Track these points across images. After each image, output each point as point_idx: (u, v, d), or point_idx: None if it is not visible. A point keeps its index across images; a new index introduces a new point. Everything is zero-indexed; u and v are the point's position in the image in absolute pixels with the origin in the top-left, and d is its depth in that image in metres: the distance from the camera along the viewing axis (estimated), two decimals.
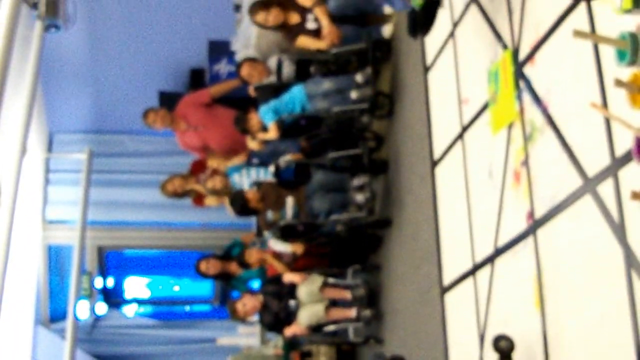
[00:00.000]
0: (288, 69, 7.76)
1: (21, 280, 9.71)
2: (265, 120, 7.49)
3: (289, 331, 7.21)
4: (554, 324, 3.57)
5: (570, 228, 3.43)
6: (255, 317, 7.86)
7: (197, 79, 10.74)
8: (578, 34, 2.71)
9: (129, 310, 11.86)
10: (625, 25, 2.86)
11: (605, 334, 3.11)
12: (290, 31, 7.32)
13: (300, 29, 7.23)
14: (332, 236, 7.25)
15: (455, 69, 5.10)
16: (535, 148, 3.83)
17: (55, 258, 11.38)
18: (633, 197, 2.74)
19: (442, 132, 5.35)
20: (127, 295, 12.03)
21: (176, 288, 12.28)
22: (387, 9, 7.05)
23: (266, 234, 7.79)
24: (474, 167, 4.71)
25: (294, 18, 7.23)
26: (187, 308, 12.26)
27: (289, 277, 7.26)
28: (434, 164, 5.49)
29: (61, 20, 6.26)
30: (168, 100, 9.78)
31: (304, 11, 7.17)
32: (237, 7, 9.63)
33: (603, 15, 3.15)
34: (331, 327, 7.10)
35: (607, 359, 3.11)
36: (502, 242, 4.20)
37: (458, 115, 4.99)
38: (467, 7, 4.90)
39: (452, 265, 5.04)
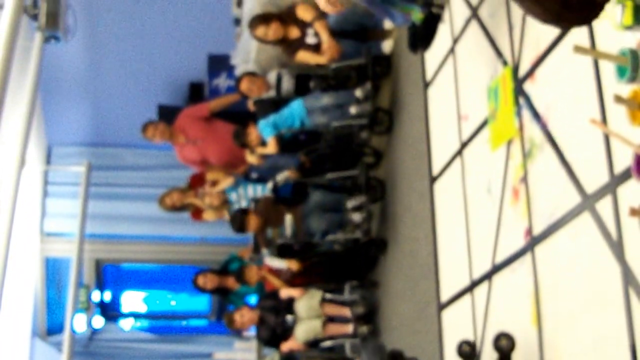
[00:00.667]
0: (287, 84, 7.75)
1: (19, 292, 9.70)
2: (264, 135, 7.49)
3: (286, 346, 7.20)
4: (551, 341, 3.55)
5: (569, 245, 3.41)
6: (252, 332, 7.85)
7: (196, 92, 10.76)
8: (578, 49, 2.70)
9: (126, 324, 11.85)
10: (626, 41, 2.86)
11: (602, 350, 3.09)
12: (290, 46, 7.32)
13: (300, 43, 7.23)
14: (329, 255, 7.25)
15: (455, 85, 5.09)
16: (534, 165, 3.82)
17: (52, 271, 11.36)
18: (631, 213, 2.72)
19: (441, 148, 5.34)
20: (124, 309, 12.01)
21: (173, 303, 12.26)
22: (388, 24, 7.05)
23: (264, 251, 7.78)
24: (473, 183, 4.70)
25: (294, 32, 7.24)
26: (184, 323, 12.24)
27: (286, 292, 7.25)
28: (433, 180, 5.47)
29: (61, 32, 6.28)
30: (167, 114, 9.78)
31: (304, 26, 7.18)
32: (237, 21, 9.65)
33: (603, 31, 3.14)
34: (328, 343, 7.09)
35: None
36: (500, 258, 4.18)
37: (457, 132, 4.98)
38: (467, 22, 4.89)
39: (450, 281, 5.03)
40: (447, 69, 5.32)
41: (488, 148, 4.40)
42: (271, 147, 7.55)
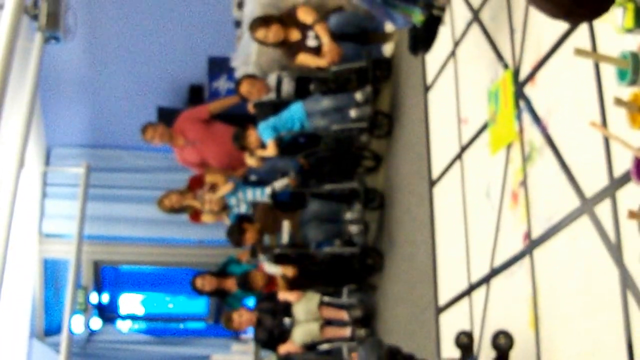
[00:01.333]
0: (287, 86, 7.75)
1: (17, 293, 9.69)
2: (264, 137, 7.49)
3: (283, 349, 7.19)
4: (548, 345, 3.54)
5: (567, 249, 3.41)
6: (249, 334, 7.84)
7: (196, 95, 10.76)
8: (579, 52, 2.69)
9: (124, 325, 11.84)
10: (627, 44, 2.85)
11: (600, 354, 3.08)
12: (290, 48, 7.32)
13: (300, 46, 7.23)
14: (326, 262, 7.27)
15: (455, 88, 5.08)
16: (534, 168, 3.81)
17: (51, 272, 11.36)
18: (629, 216, 2.72)
19: (441, 151, 5.34)
20: (122, 310, 12.01)
21: (171, 305, 12.25)
22: (388, 27, 7.05)
23: (261, 256, 7.77)
24: (472, 187, 4.69)
25: (295, 35, 7.23)
26: (182, 325, 12.23)
27: (284, 295, 7.24)
28: (432, 183, 5.47)
29: (61, 33, 6.28)
30: (166, 116, 9.78)
31: (304, 28, 7.18)
32: (238, 24, 9.64)
33: (604, 34, 3.14)
34: (325, 346, 7.07)
35: None
36: (498, 262, 4.18)
37: (457, 135, 4.97)
38: (468, 25, 4.88)
39: (448, 285, 5.02)
40: (447, 73, 5.31)
41: (488, 152, 4.39)
42: (270, 150, 7.55)
